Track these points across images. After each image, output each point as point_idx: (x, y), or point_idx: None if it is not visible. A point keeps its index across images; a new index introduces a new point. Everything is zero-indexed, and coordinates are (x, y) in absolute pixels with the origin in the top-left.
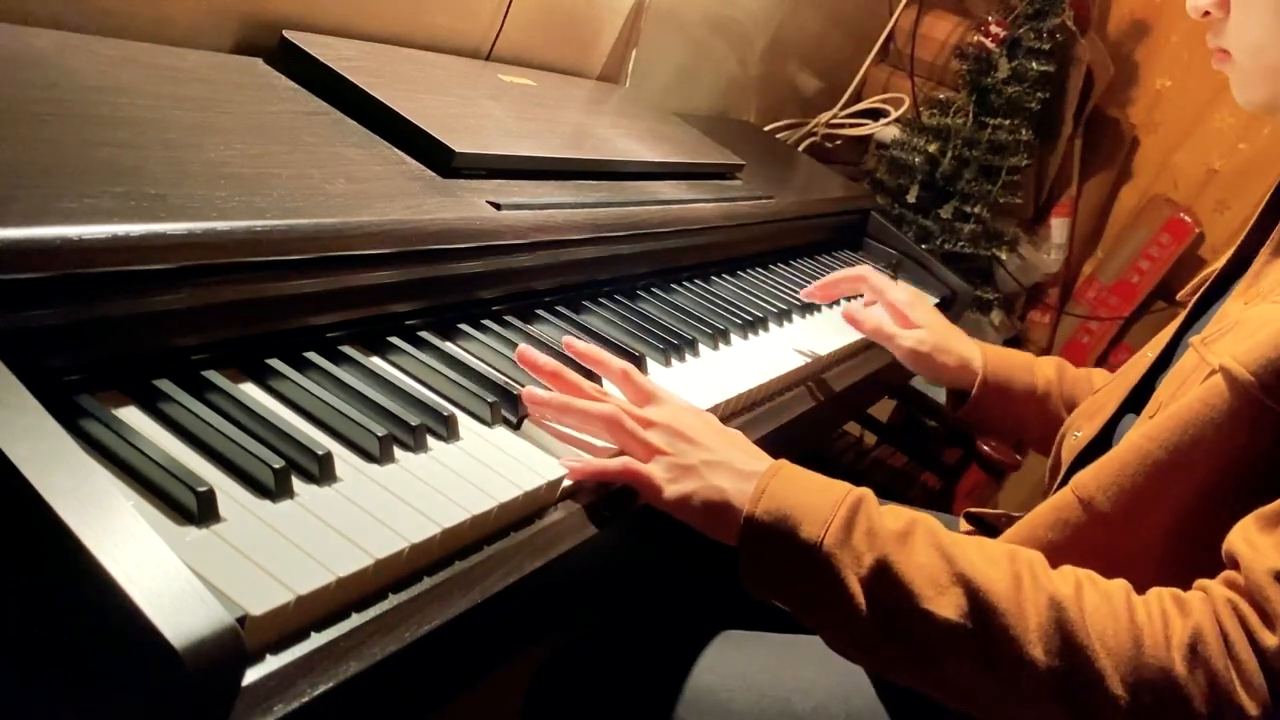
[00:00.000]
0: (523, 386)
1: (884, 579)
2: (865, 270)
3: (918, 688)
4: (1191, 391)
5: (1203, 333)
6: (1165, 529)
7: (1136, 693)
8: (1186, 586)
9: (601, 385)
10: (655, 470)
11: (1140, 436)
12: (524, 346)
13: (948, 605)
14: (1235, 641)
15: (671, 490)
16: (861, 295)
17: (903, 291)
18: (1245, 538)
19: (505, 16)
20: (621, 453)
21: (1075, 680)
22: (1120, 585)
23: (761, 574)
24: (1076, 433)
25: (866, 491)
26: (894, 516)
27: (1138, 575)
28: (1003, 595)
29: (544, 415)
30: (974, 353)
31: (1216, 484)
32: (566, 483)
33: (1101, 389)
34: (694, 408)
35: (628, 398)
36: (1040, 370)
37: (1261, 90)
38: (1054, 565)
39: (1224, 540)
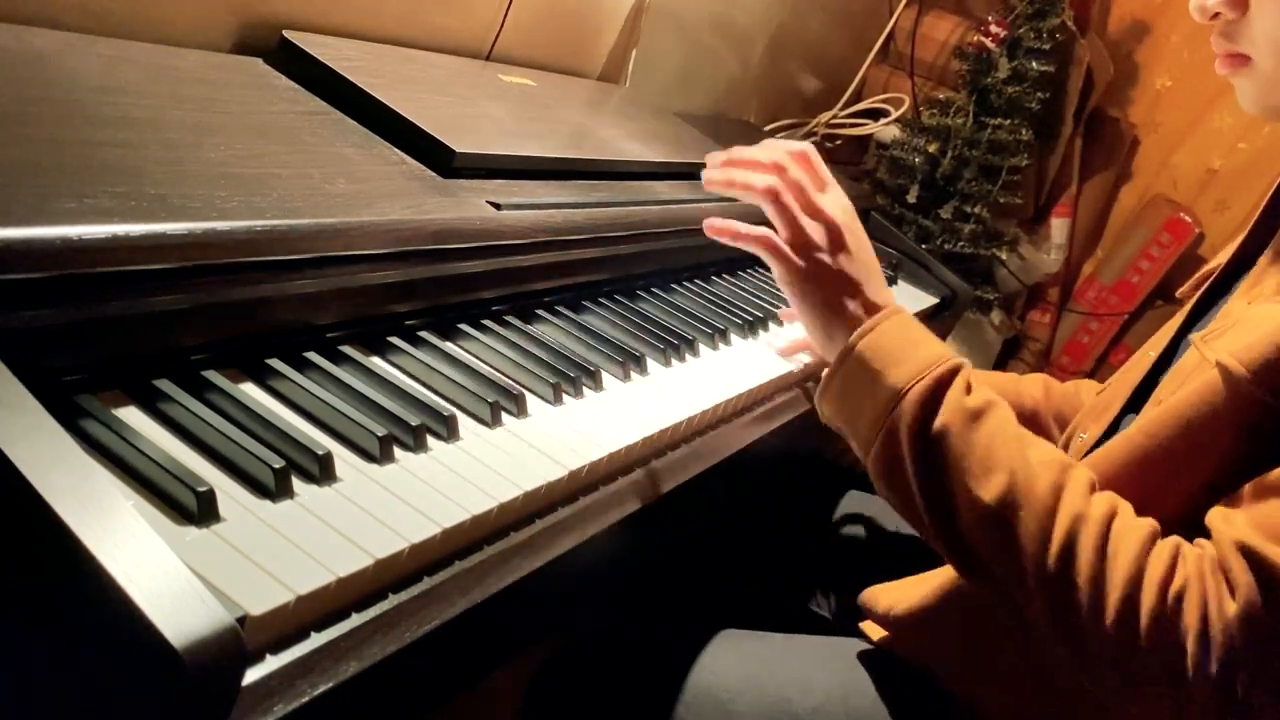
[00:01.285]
0: (523, 386)
1: (942, 446)
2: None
3: (934, 541)
4: (1189, 386)
5: (1204, 330)
6: (1160, 521)
7: (1119, 620)
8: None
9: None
10: (796, 257)
11: (1136, 431)
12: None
13: (988, 488)
14: (1210, 601)
15: (802, 284)
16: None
17: None
18: (1221, 512)
19: (505, 16)
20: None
21: (1070, 592)
22: (1148, 524)
23: (838, 398)
24: (1083, 434)
25: (963, 363)
26: (975, 395)
27: None
28: (1040, 497)
29: (713, 184)
30: None
31: (1210, 478)
32: (566, 482)
33: (1106, 388)
34: (855, 216)
35: (804, 176)
36: (1027, 390)
37: None
38: None
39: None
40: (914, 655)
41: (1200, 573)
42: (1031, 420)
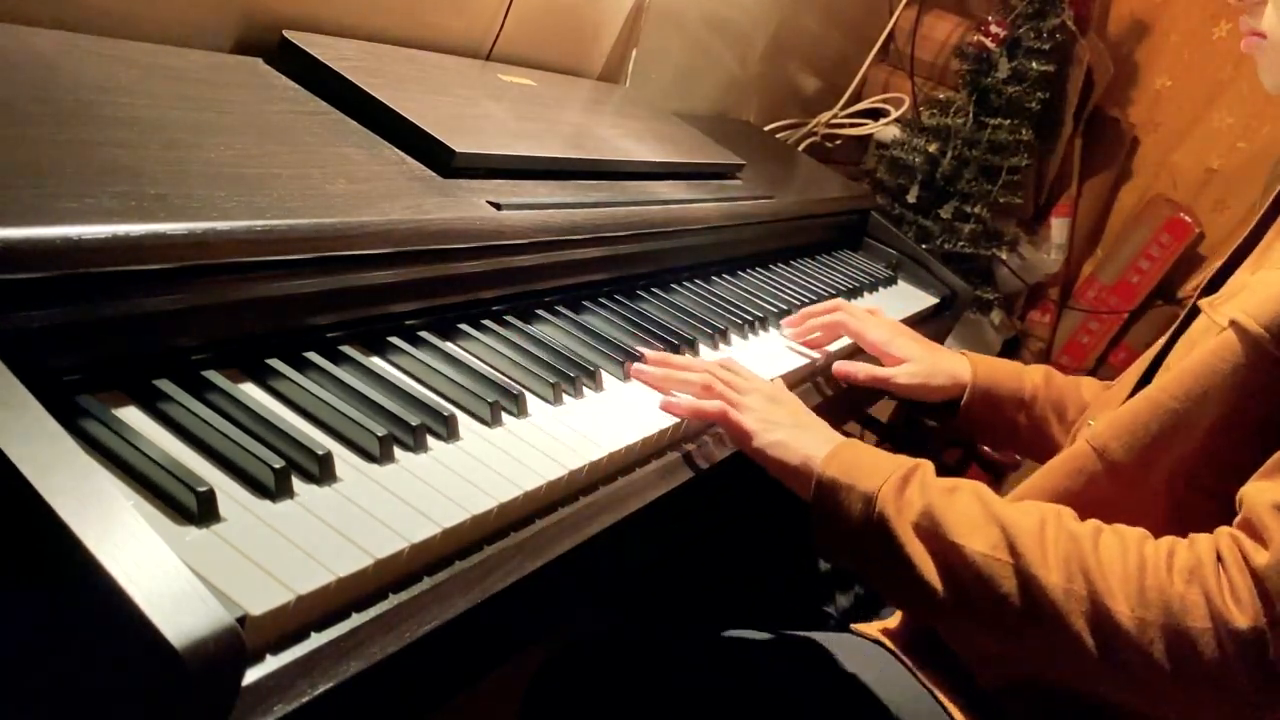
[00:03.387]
0: (523, 386)
1: (929, 522)
2: (840, 316)
3: (962, 627)
4: (1204, 346)
5: (1210, 297)
6: (1174, 477)
7: (1139, 608)
8: (1192, 532)
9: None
10: (748, 420)
11: (1155, 389)
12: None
13: (981, 540)
14: (1231, 564)
15: (762, 439)
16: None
17: (878, 328)
18: (1254, 484)
19: (506, 16)
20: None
21: (1087, 600)
22: (1138, 531)
23: (828, 528)
24: (1091, 422)
25: (925, 461)
26: (945, 479)
27: (1146, 521)
28: (1029, 532)
29: (646, 379)
30: (962, 365)
31: (1224, 434)
32: (566, 482)
33: (1117, 383)
34: (783, 388)
35: (728, 374)
36: (1028, 377)
37: None
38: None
39: (1235, 493)
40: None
41: (1213, 544)
42: (1029, 406)
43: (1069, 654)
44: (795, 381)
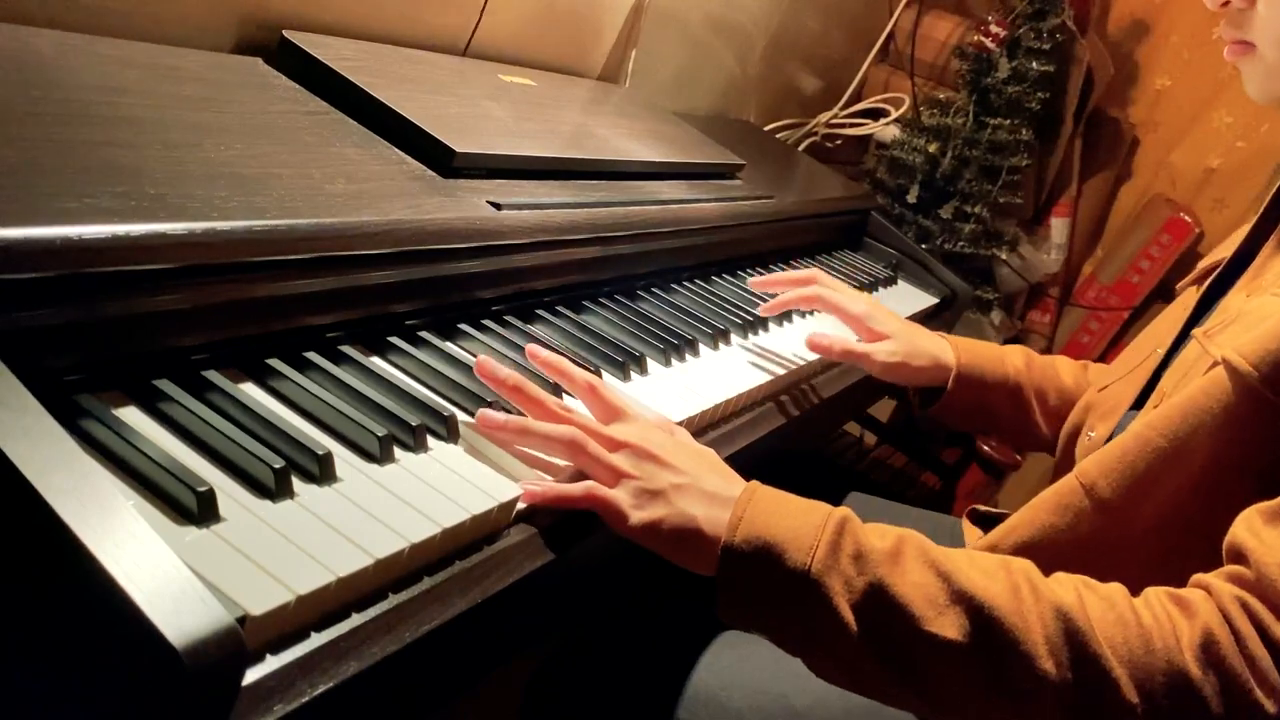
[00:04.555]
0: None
1: (878, 602)
2: (817, 290)
3: (915, 710)
4: (1194, 383)
5: (1205, 325)
6: (1163, 516)
7: (1152, 698)
8: (1181, 573)
9: (562, 398)
10: (620, 495)
11: (1143, 426)
12: (483, 358)
13: (950, 625)
14: (1248, 639)
15: (638, 517)
16: (816, 311)
17: (859, 301)
18: (1251, 530)
19: (507, 17)
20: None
21: (1089, 691)
22: (1119, 589)
23: (743, 604)
24: (1090, 433)
25: (848, 511)
26: (880, 535)
27: (1135, 561)
28: (1006, 610)
29: (501, 439)
30: (944, 348)
31: (1215, 474)
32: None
33: (1110, 386)
34: (665, 423)
35: (593, 414)
36: (1010, 360)
37: None
38: (1053, 550)
39: (1226, 533)
40: None
41: (1219, 614)
42: (1015, 392)
43: None
44: (793, 383)
